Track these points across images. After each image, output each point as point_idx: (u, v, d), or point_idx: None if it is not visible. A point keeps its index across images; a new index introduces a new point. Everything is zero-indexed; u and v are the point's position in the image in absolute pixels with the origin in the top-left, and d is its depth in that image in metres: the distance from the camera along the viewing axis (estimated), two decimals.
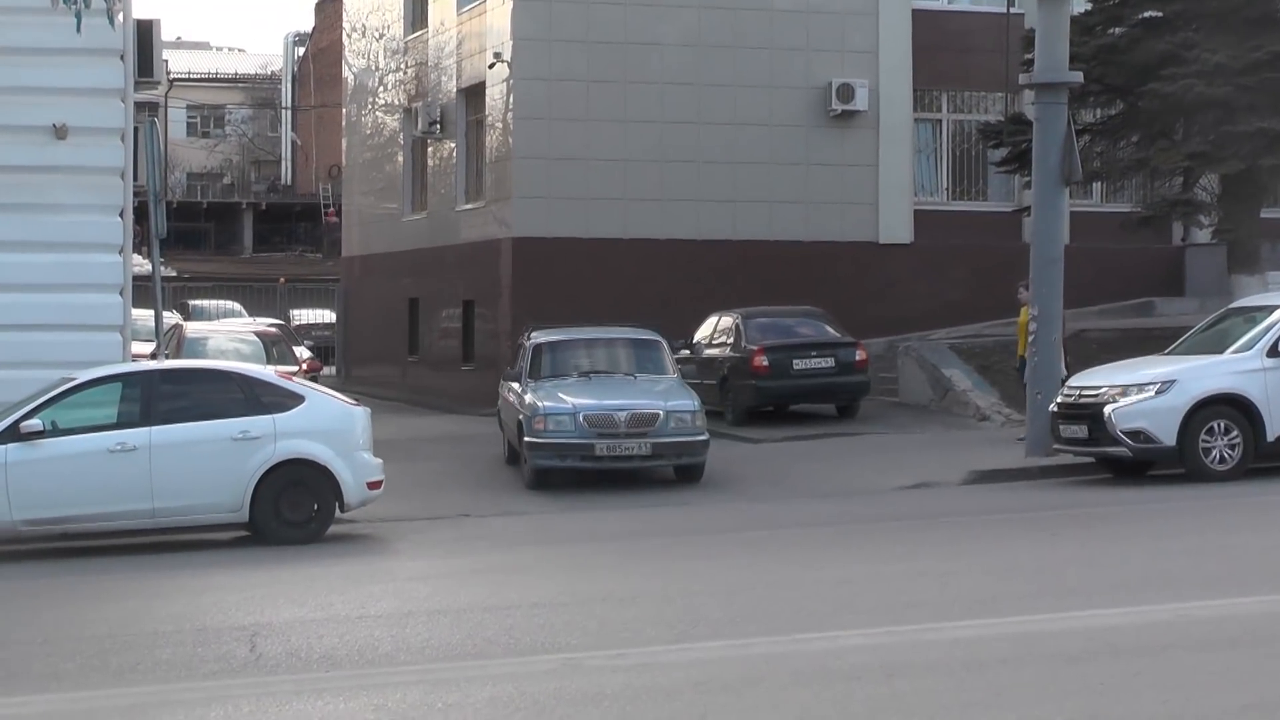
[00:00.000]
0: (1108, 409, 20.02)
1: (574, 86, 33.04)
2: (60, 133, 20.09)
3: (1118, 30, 29.09)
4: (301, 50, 72.93)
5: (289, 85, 73.89)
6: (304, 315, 50.17)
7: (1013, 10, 33.14)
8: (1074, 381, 21.22)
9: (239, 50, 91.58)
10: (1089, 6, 29.16)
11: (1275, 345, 20.04)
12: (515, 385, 23.11)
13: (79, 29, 17.32)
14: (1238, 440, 19.76)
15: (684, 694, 9.81)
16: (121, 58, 20.32)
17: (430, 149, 38.75)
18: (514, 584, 14.31)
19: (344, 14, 47.29)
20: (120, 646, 11.86)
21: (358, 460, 17.75)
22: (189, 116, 78.02)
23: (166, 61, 39.37)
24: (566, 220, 33.01)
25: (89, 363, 18.59)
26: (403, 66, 40.71)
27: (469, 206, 36.23)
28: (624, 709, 9.48)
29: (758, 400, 27.81)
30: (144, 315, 24.91)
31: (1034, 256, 22.75)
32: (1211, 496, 18.42)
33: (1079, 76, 23.26)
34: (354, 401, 18.73)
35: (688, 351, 28.82)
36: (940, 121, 35.86)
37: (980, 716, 9.07)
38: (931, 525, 17.44)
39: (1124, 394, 20.11)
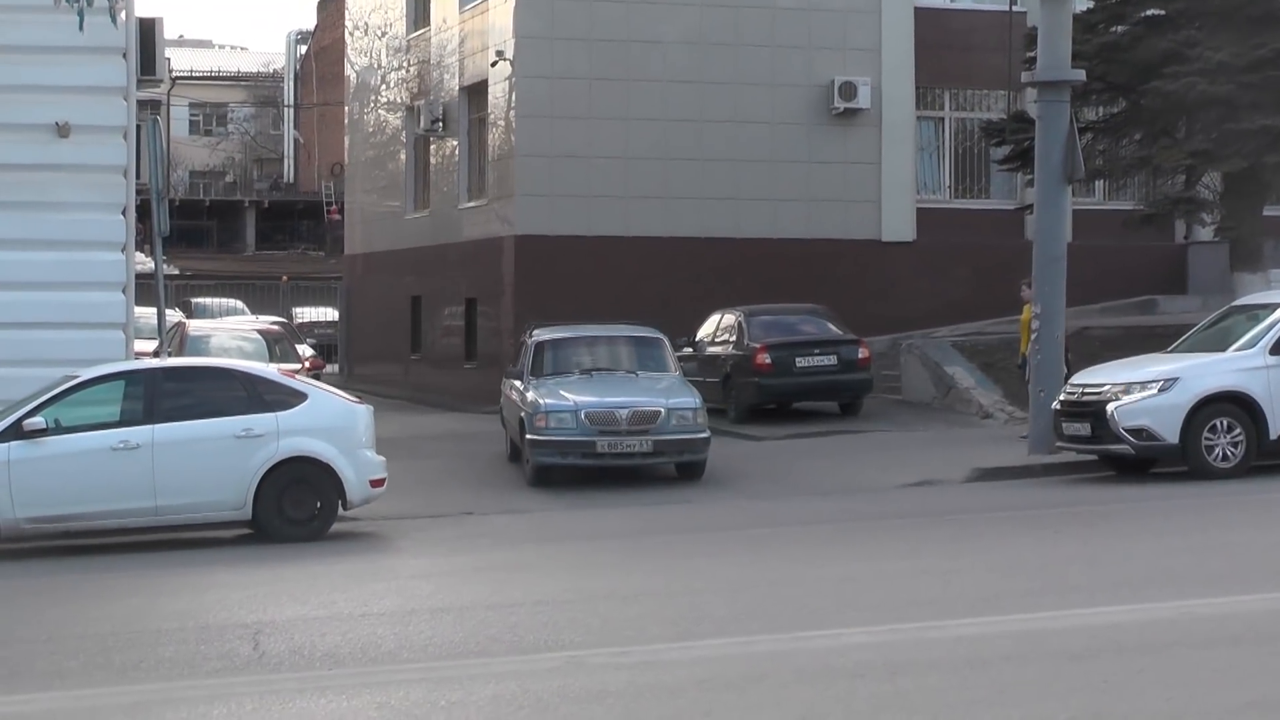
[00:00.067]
0: (1110, 407, 20.02)
1: (576, 84, 33.04)
2: (63, 131, 20.10)
3: (1120, 28, 29.06)
4: (304, 48, 72.92)
5: (291, 83, 73.86)
6: (306, 313, 50.16)
7: (1015, 8, 33.13)
8: (1077, 379, 21.22)
9: (241, 48, 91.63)
10: (1091, 4, 29.14)
11: (1278, 343, 20.04)
12: (517, 383, 23.13)
13: (81, 27, 17.32)
14: (1240, 438, 19.77)
15: (687, 691, 9.81)
16: (124, 56, 20.32)
17: (432, 147, 38.75)
18: (517, 582, 14.32)
19: (346, 12, 47.30)
20: (123, 644, 11.87)
21: (360, 458, 17.76)
22: (191, 114, 78.01)
23: (169, 60, 39.32)
24: (569, 218, 33.01)
25: (92, 361, 18.60)
26: (405, 64, 40.71)
27: (471, 204, 36.23)
28: (628, 707, 9.48)
29: (760, 398, 27.81)
30: (146, 313, 24.90)
31: (1036, 254, 22.75)
32: (1214, 494, 18.42)
33: (1081, 74, 23.26)
34: (356, 399, 18.74)
35: (690, 349, 28.83)
36: (943, 119, 35.85)
37: (984, 714, 9.07)
38: (934, 523, 17.44)
39: (1127, 392, 20.11)
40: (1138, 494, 19.12)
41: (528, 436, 21.65)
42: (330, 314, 48.47)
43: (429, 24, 39.24)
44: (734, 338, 28.39)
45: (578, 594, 13.44)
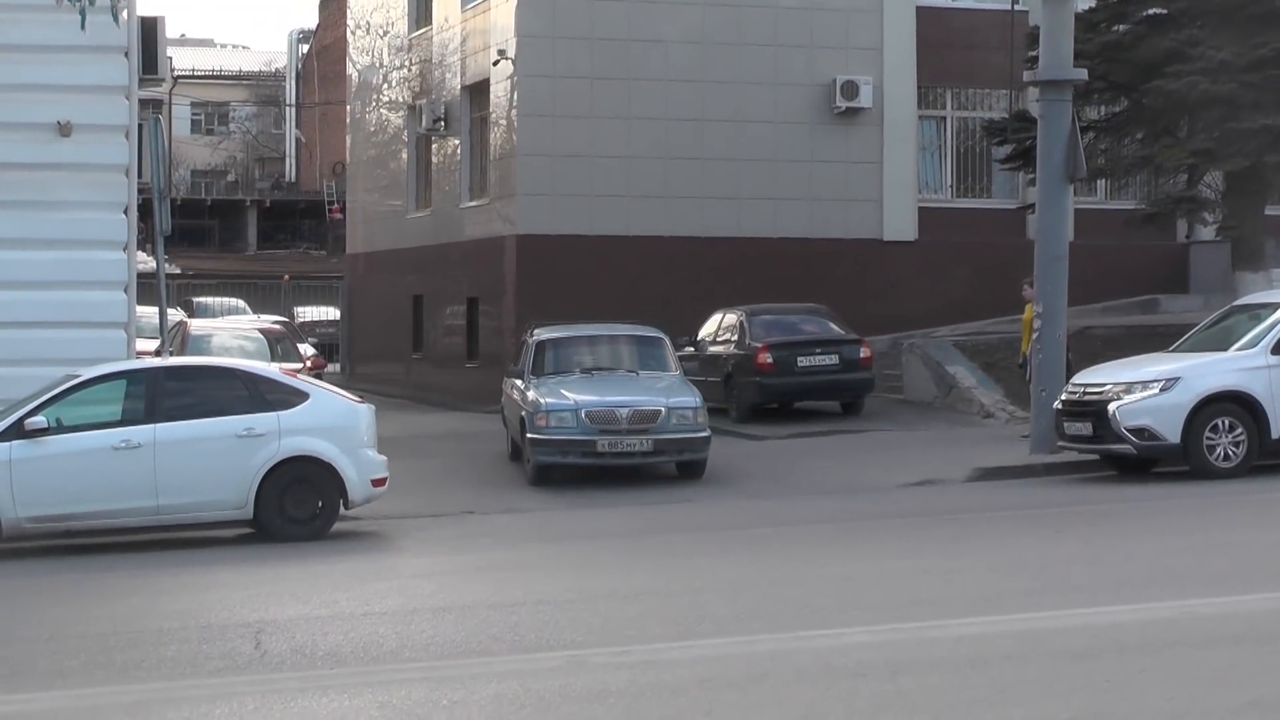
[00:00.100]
0: (1112, 406, 20.02)
1: (578, 83, 33.04)
2: (64, 130, 20.11)
3: (1122, 27, 29.06)
4: (306, 47, 72.89)
5: (293, 82, 73.83)
6: (308, 312, 50.17)
7: (1017, 7, 33.15)
8: (1078, 379, 21.22)
9: (243, 47, 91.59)
10: (1093, 3, 29.14)
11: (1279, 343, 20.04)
12: (518, 382, 23.15)
13: (83, 26, 17.31)
14: (1242, 438, 19.77)
15: (689, 691, 9.81)
16: (126, 55, 20.33)
17: (434, 146, 38.75)
18: (518, 581, 14.32)
19: (348, 11, 47.29)
20: (125, 644, 11.87)
21: (362, 457, 17.76)
22: (193, 113, 77.98)
23: (171, 58, 39.36)
24: (570, 217, 33.01)
25: (93, 360, 18.61)
26: (407, 63, 40.72)
27: (473, 204, 36.24)
28: (629, 706, 9.48)
29: (762, 397, 27.81)
30: (148, 312, 24.90)
31: (1038, 253, 22.74)
32: (1215, 494, 18.42)
33: (1083, 73, 23.26)
34: (358, 398, 18.74)
35: (692, 349, 28.83)
36: (944, 118, 35.84)
37: (985, 713, 9.07)
38: (936, 522, 17.44)
39: (1128, 391, 20.11)
40: (1139, 493, 19.11)
41: (528, 435, 21.67)
42: (332, 313, 48.47)
43: (431, 23, 39.25)
44: (735, 337, 28.40)
45: (579, 593, 13.44)
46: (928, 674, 9.91)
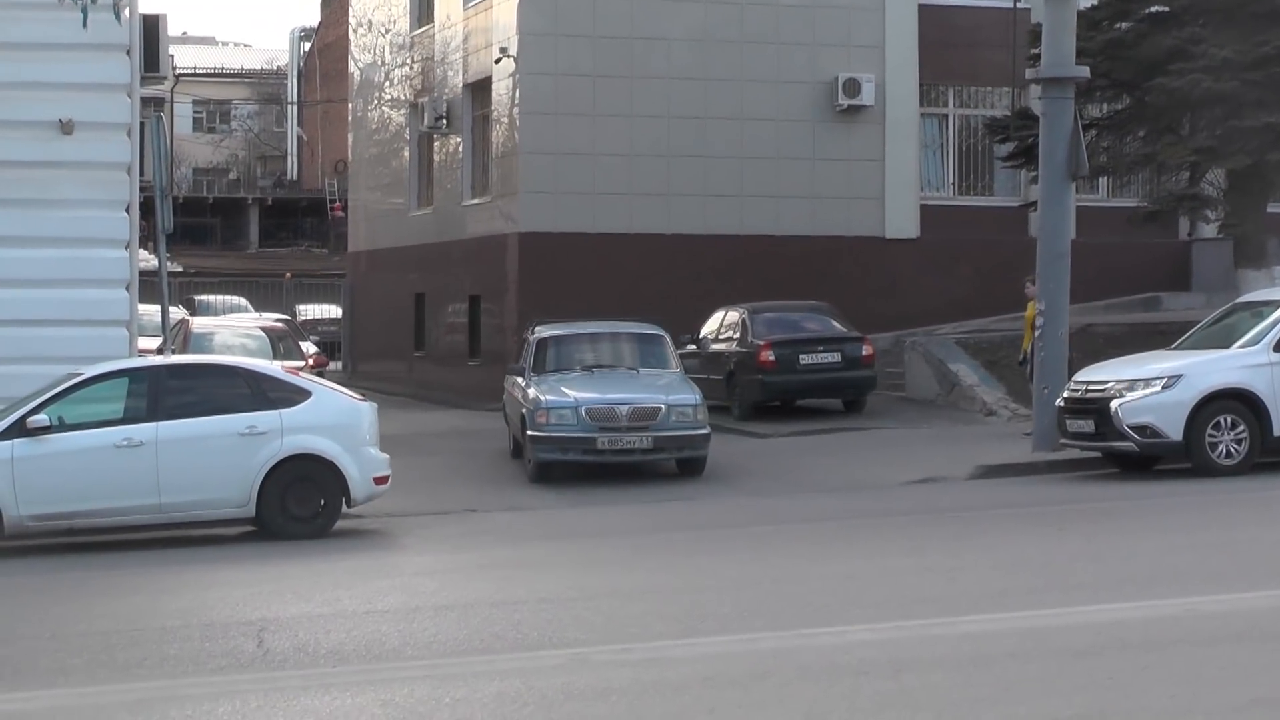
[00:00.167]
0: (1114, 404, 20.01)
1: (580, 82, 33.03)
2: (66, 128, 20.10)
3: (1124, 25, 29.06)
4: (307, 45, 72.89)
5: (295, 80, 73.85)
6: (310, 310, 50.15)
7: (1019, 5, 33.12)
8: (1080, 376, 21.21)
9: (245, 45, 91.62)
10: (1095, 1, 29.13)
11: None
12: (519, 379, 23.18)
13: (85, 24, 17.28)
14: (1244, 435, 19.76)
15: (691, 689, 9.81)
16: (127, 53, 20.32)
17: (436, 144, 38.76)
18: (520, 579, 14.32)
19: (350, 9, 47.30)
20: (127, 642, 11.87)
21: (364, 455, 17.76)
22: (195, 112, 77.99)
23: (172, 56, 39.33)
24: (572, 215, 33.01)
25: (95, 358, 18.61)
26: (409, 61, 40.71)
27: (475, 201, 36.23)
28: (631, 704, 9.48)
29: (764, 395, 27.81)
30: (150, 310, 24.92)
31: (1040, 251, 22.73)
32: (1218, 491, 18.42)
33: (1086, 71, 23.25)
34: (360, 396, 18.75)
35: (694, 346, 28.83)
36: (946, 116, 35.84)
37: (988, 711, 9.07)
38: (938, 520, 17.43)
39: (1130, 389, 20.10)
40: (1141, 491, 19.11)
41: (529, 433, 21.68)
42: (334, 311, 48.46)
43: (433, 21, 39.24)
44: (738, 335, 28.40)
45: (581, 591, 13.43)
46: (931, 672, 9.91)
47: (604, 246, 32.91)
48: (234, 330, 28.81)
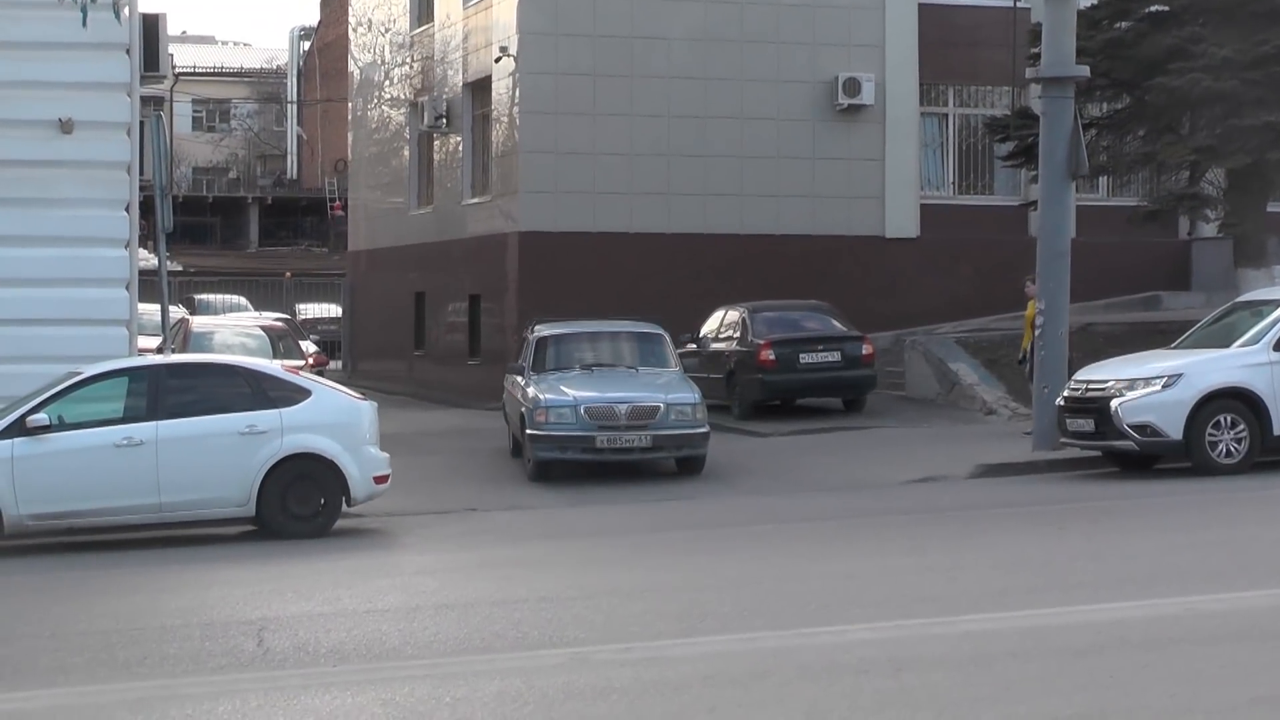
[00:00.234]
0: (1114, 403, 20.02)
1: (580, 81, 33.02)
2: (66, 127, 20.10)
3: (1124, 24, 29.06)
4: (307, 44, 72.89)
5: (295, 79, 73.84)
6: (310, 310, 50.14)
7: (1019, 4, 33.12)
8: (1081, 375, 21.21)
9: (244, 44, 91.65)
10: (1095, 1, 29.12)
11: None
12: (519, 378, 23.19)
13: (85, 23, 17.30)
14: (1244, 434, 19.76)
15: (692, 687, 9.81)
16: (127, 52, 20.32)
17: (436, 143, 38.75)
18: (521, 578, 14.32)
19: (350, 8, 47.29)
20: (127, 641, 11.87)
21: (364, 454, 17.76)
22: (194, 111, 78.01)
23: (172, 56, 39.36)
24: (572, 215, 33.01)
25: (95, 357, 18.61)
26: (409, 61, 40.71)
27: (475, 201, 36.23)
28: (632, 703, 9.48)
29: (764, 394, 27.81)
30: (150, 309, 24.92)
31: (1040, 250, 22.73)
32: (1218, 490, 18.42)
33: (1086, 71, 23.24)
34: (360, 396, 18.75)
35: (694, 346, 28.83)
36: (946, 116, 35.83)
37: (988, 710, 9.07)
38: (938, 519, 17.43)
39: (1130, 388, 20.11)
40: (1141, 490, 19.11)
41: (528, 432, 21.69)
42: (334, 310, 48.46)
43: (432, 20, 39.24)
44: (738, 334, 28.40)
45: (581, 590, 13.43)
46: (931, 671, 9.91)
47: (604, 246, 32.91)
48: (234, 329, 28.80)
